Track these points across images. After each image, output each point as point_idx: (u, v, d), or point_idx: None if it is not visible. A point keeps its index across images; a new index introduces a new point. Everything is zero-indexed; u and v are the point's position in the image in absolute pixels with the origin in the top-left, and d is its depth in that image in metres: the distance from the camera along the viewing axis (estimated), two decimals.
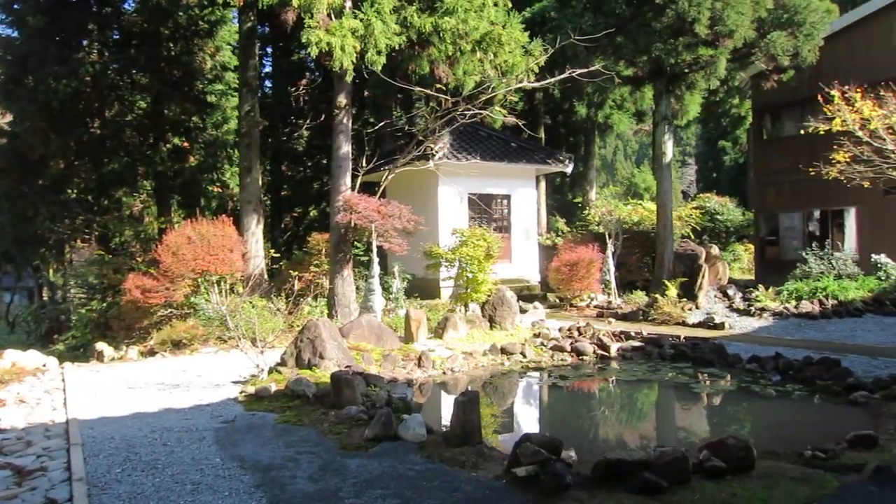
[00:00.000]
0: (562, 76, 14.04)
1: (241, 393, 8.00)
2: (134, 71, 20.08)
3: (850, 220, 19.61)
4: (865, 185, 16.43)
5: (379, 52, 11.73)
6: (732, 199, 30.28)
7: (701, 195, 31.90)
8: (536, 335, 11.60)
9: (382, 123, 16.57)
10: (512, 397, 9.18)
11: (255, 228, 15.98)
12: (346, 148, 13.56)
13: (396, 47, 12.15)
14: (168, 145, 21.07)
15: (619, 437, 7.37)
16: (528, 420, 8.14)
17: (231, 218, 15.04)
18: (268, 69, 26.35)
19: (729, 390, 8.65)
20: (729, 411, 8.20)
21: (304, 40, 11.19)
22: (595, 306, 16.26)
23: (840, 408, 7.45)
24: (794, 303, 13.59)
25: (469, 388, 8.16)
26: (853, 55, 19.14)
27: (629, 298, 16.31)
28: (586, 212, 23.97)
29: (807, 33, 16.79)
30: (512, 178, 18.67)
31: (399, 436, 5.80)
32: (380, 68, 11.76)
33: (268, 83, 26.43)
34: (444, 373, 9.65)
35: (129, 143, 20.33)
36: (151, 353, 11.85)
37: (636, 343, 10.89)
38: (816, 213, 20.68)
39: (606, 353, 10.65)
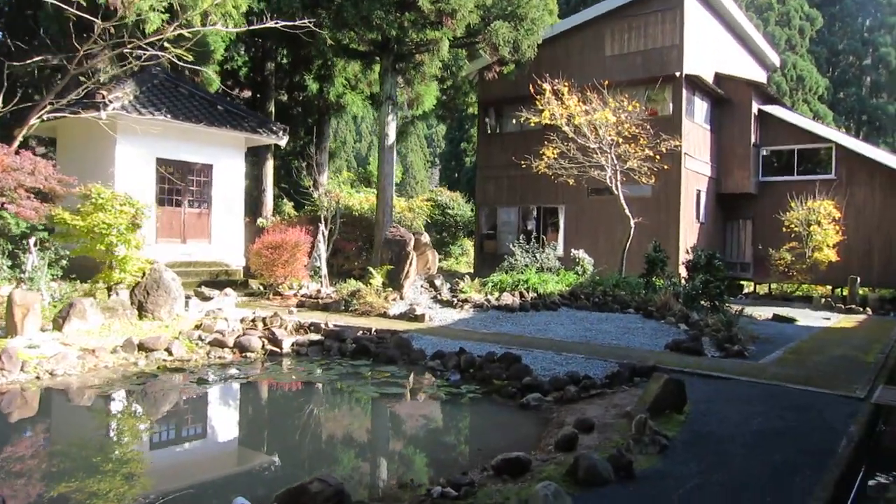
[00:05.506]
0: (266, 25, 12.26)
1: None
2: None
3: (563, 217, 20.41)
4: (570, 183, 16.89)
5: None
6: (465, 195, 30.83)
7: (434, 189, 32.04)
8: (198, 327, 9.43)
9: (38, 59, 13.05)
10: (108, 415, 6.57)
11: None
12: None
13: None
14: None
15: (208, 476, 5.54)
16: (105, 455, 5.83)
17: None
18: None
19: (394, 394, 7.32)
20: (381, 424, 6.83)
21: None
22: (303, 295, 14.48)
23: (510, 414, 6.47)
24: (496, 294, 13.13)
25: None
26: (569, 59, 19.88)
27: (342, 287, 14.79)
28: (315, 196, 22.26)
29: (527, 28, 16.91)
30: (215, 145, 16.09)
31: None
32: None
33: None
34: (39, 377, 7.09)
35: None
36: None
37: (315, 337, 9.27)
38: (533, 210, 21.25)
39: (278, 349, 8.89)
